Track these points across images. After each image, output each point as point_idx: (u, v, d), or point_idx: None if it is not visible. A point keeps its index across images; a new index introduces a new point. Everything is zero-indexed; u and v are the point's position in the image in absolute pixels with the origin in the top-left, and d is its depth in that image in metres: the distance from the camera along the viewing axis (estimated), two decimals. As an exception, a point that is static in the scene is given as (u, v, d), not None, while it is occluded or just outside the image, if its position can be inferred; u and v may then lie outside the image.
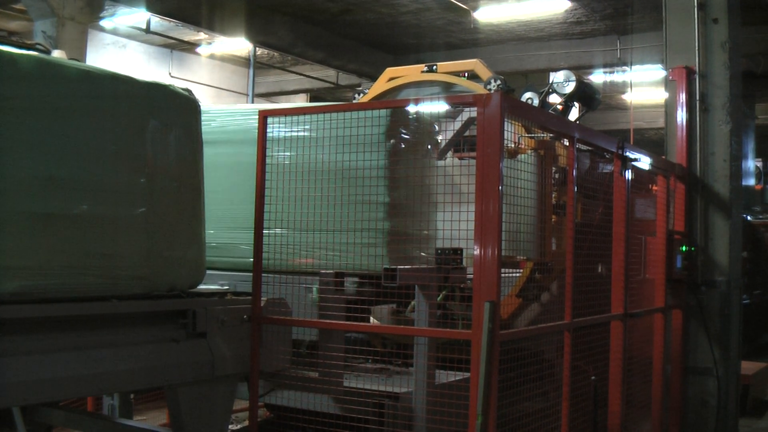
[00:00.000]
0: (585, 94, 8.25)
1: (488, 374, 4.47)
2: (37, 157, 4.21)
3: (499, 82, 8.07)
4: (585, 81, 8.51)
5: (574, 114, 8.78)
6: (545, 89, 8.13)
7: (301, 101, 23.06)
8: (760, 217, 18.81)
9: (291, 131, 6.15)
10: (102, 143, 4.51)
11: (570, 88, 7.99)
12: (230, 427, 7.24)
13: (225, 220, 6.67)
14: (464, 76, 8.60)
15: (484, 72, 8.41)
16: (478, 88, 8.23)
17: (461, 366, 4.96)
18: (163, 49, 19.81)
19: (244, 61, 20.20)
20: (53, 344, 4.24)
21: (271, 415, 7.87)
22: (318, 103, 17.62)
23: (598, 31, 17.80)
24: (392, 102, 8.22)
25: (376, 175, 5.93)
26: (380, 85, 9.03)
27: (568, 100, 8.12)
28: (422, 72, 8.75)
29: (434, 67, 8.70)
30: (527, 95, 8.20)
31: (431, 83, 8.80)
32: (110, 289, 4.54)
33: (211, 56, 20.77)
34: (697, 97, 8.24)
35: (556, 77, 8.09)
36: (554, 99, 8.24)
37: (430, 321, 5.33)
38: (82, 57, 12.70)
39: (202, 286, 5.35)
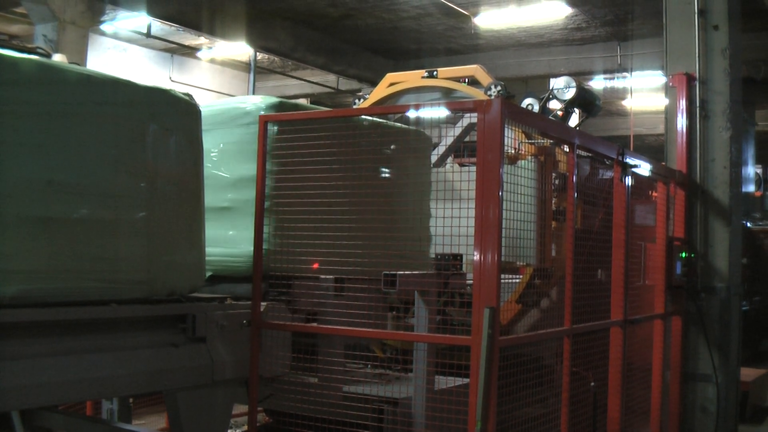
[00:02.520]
0: (585, 101, 8.27)
1: (487, 380, 4.47)
2: (38, 161, 4.21)
3: (499, 87, 8.08)
4: (585, 87, 8.52)
5: (574, 120, 8.80)
6: (545, 95, 8.14)
7: (301, 106, 23.06)
8: (760, 223, 18.80)
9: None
10: (102, 147, 4.51)
11: (570, 94, 8.01)
12: (229, 431, 7.23)
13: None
14: (465, 82, 8.61)
15: (484, 78, 8.43)
16: (478, 94, 8.24)
17: (461, 372, 4.96)
18: (164, 54, 19.83)
19: (245, 66, 20.23)
20: (53, 348, 4.23)
21: (270, 420, 7.87)
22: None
23: (598, 38, 17.83)
24: (393, 108, 8.22)
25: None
26: (380, 91, 9.04)
27: (569, 107, 8.13)
28: (422, 77, 8.76)
29: (434, 72, 8.71)
30: (527, 101, 8.22)
31: (431, 89, 8.81)
32: (110, 293, 4.54)
33: (212, 61, 20.80)
34: (698, 104, 8.25)
35: (557, 83, 8.11)
36: (554, 105, 8.25)
37: (430, 327, 5.32)
38: (82, 61, 12.72)
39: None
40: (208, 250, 5.88)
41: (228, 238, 5.85)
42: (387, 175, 6.45)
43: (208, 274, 5.96)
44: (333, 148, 5.70)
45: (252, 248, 5.69)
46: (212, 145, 6.14)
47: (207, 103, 6.61)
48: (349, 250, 5.50)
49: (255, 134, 5.76)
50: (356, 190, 5.82)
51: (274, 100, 6.12)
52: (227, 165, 6.05)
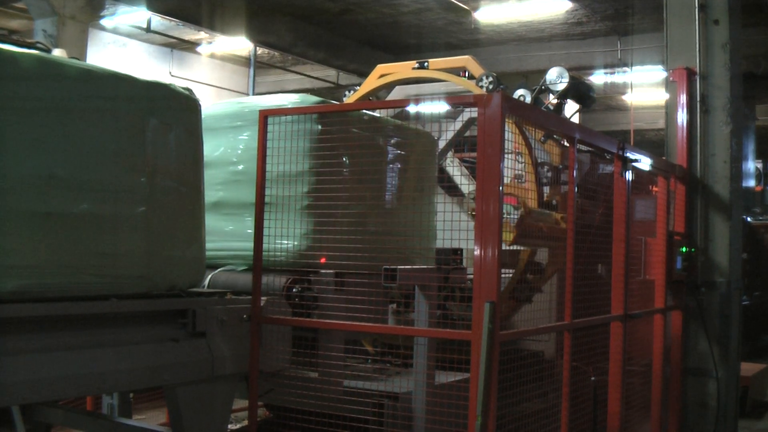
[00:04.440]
0: (579, 92, 8.21)
1: (488, 375, 4.46)
2: (38, 156, 4.20)
3: (491, 78, 8.03)
4: (578, 78, 8.46)
5: (567, 111, 8.75)
6: (537, 86, 8.08)
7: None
8: (760, 218, 18.81)
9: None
10: (102, 142, 4.50)
11: (563, 85, 7.94)
12: (229, 426, 7.23)
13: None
14: (464, 76, 8.56)
15: (476, 69, 8.37)
16: (470, 86, 8.20)
17: (460, 366, 4.96)
18: (164, 48, 19.80)
19: (245, 61, 20.20)
20: (53, 343, 4.23)
21: (270, 415, 7.86)
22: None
23: (598, 32, 17.79)
24: (393, 102, 8.20)
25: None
26: (371, 82, 8.97)
27: (561, 98, 8.07)
28: (413, 69, 8.69)
29: (425, 63, 8.64)
30: (519, 92, 8.17)
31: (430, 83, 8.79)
32: (110, 288, 4.54)
33: (212, 55, 20.76)
34: (698, 99, 8.23)
35: (550, 75, 8.05)
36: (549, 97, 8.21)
37: (430, 321, 5.32)
38: (82, 56, 12.70)
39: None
40: (244, 244, 5.95)
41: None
42: (398, 172, 6.73)
43: (242, 267, 6.13)
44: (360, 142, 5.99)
45: (288, 243, 5.84)
46: (251, 142, 6.24)
47: (242, 100, 6.88)
48: (379, 245, 5.73)
49: (292, 131, 5.81)
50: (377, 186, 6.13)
51: (314, 99, 6.26)
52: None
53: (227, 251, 6.26)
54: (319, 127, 5.96)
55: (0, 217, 4.06)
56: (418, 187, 6.78)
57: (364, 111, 6.69)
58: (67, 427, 6.29)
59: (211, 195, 6.53)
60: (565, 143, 7.22)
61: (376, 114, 6.94)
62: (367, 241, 5.69)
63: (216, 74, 21.20)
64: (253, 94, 18.71)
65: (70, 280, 4.31)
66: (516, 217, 6.59)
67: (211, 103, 7.00)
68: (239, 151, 6.38)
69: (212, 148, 6.62)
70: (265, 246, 5.70)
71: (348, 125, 6.20)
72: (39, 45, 5.14)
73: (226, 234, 6.39)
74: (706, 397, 8.03)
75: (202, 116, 6.70)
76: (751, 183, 20.82)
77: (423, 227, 6.52)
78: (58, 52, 5.53)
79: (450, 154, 9.06)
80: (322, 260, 5.88)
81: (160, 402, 8.39)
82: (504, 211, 4.77)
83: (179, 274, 4.98)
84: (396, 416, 5.40)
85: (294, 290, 5.83)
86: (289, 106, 6.13)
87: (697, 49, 8.25)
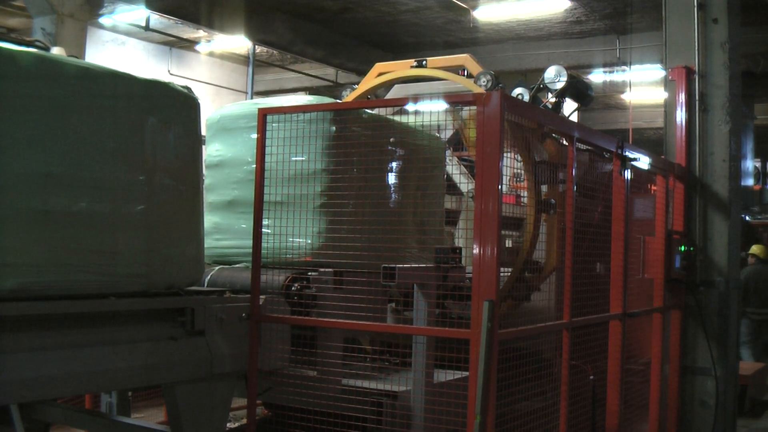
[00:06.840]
0: (577, 90, 8.19)
1: (487, 374, 4.46)
2: (36, 154, 4.20)
3: (489, 77, 8.01)
4: (577, 77, 8.43)
5: (566, 110, 8.72)
6: (536, 85, 8.06)
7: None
8: (759, 217, 18.82)
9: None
10: (101, 140, 4.50)
11: (561, 83, 7.92)
12: (228, 425, 7.23)
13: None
14: (463, 74, 8.54)
15: (474, 67, 8.34)
16: (469, 84, 8.18)
17: (459, 365, 4.96)
18: (163, 47, 19.80)
19: (244, 59, 20.19)
20: (51, 341, 4.23)
21: (269, 414, 7.86)
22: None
23: (597, 31, 17.79)
24: (392, 100, 8.18)
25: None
26: (369, 81, 8.93)
27: (560, 96, 8.05)
28: (412, 67, 8.67)
29: (424, 62, 8.61)
30: (517, 91, 8.14)
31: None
32: (109, 286, 4.54)
33: (211, 54, 20.76)
34: (697, 97, 8.23)
35: (548, 73, 8.03)
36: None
37: (429, 320, 5.32)
38: (81, 54, 12.69)
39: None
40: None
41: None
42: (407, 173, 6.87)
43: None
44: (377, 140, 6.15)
45: (302, 241, 5.94)
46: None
47: (257, 101, 7.03)
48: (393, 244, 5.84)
49: (305, 130, 5.84)
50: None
51: (328, 100, 6.42)
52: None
53: (241, 249, 6.33)
54: (334, 128, 6.02)
55: (-2, 216, 4.06)
56: (425, 186, 6.92)
57: (379, 113, 6.75)
58: (65, 426, 6.28)
59: (226, 194, 6.63)
60: (564, 142, 7.21)
61: (390, 116, 7.04)
62: (382, 240, 5.76)
63: (215, 73, 21.21)
64: (252, 92, 18.70)
65: (68, 278, 4.31)
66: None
67: (228, 104, 7.12)
68: (254, 151, 6.41)
69: (227, 147, 6.69)
70: (277, 244, 5.75)
71: (363, 126, 6.29)
72: (37, 43, 5.13)
73: (240, 232, 6.46)
74: (704, 395, 8.04)
75: (218, 117, 6.79)
76: (750, 182, 20.84)
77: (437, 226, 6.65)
78: (56, 51, 5.52)
79: (448, 152, 9.05)
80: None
81: (158, 400, 8.40)
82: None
83: (178, 273, 4.98)
84: (395, 415, 5.40)
85: (293, 288, 5.83)
86: (293, 105, 6.17)
87: (696, 48, 8.25)
